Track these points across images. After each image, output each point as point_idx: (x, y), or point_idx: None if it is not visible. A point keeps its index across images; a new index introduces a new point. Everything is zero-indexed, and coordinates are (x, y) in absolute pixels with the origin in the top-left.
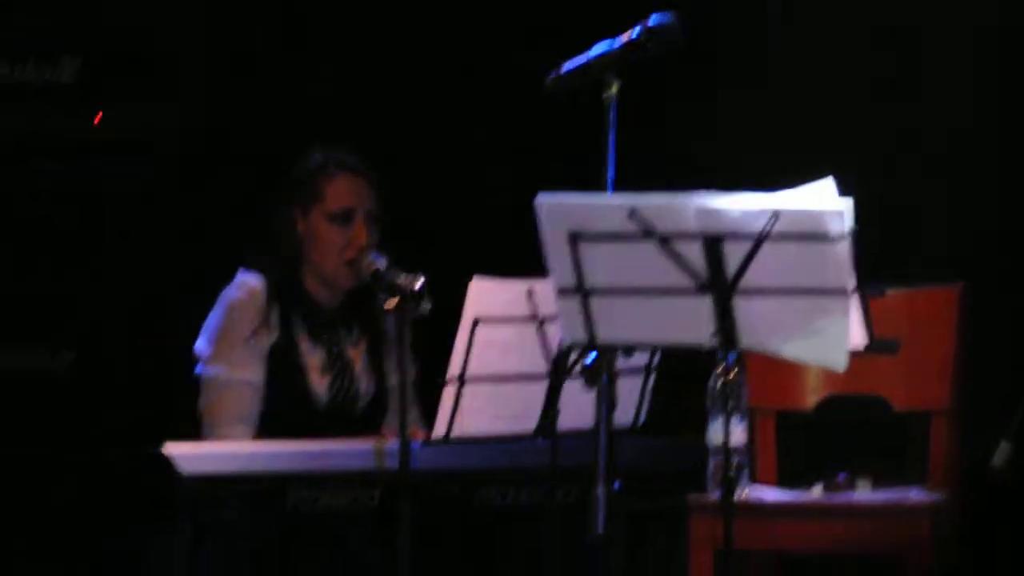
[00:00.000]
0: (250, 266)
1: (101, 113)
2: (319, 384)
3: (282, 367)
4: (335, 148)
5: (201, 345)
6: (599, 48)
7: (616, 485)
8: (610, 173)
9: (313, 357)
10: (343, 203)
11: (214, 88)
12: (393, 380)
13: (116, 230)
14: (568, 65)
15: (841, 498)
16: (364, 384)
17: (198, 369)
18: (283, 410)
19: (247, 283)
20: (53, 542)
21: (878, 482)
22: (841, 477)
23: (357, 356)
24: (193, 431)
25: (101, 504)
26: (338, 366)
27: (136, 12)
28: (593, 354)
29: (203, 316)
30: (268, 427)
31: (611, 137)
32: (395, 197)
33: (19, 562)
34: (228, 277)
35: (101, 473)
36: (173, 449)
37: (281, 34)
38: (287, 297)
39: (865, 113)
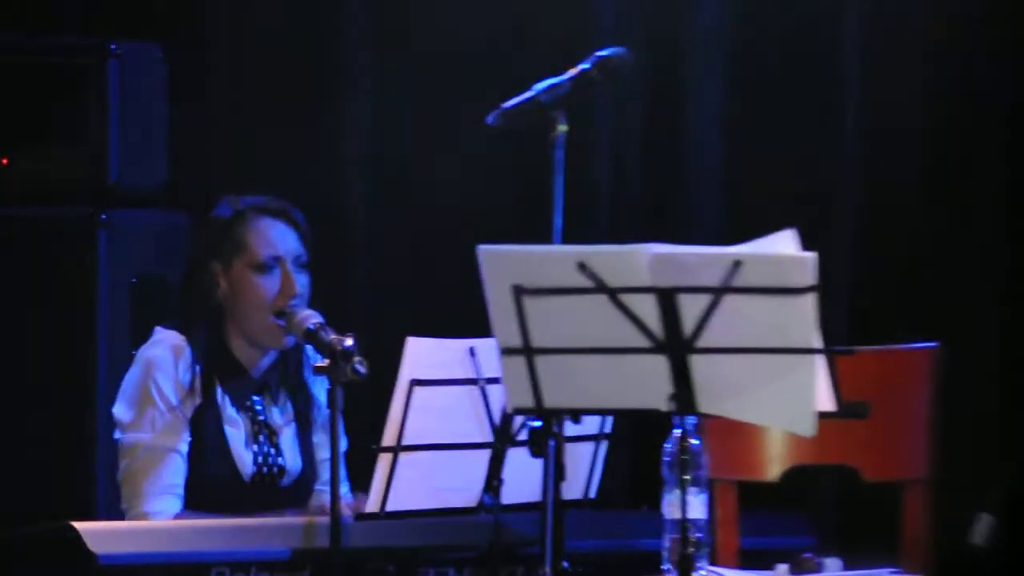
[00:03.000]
0: (168, 324)
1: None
2: (243, 455)
3: (205, 436)
4: (251, 192)
5: (120, 410)
6: (546, 83)
7: (565, 564)
8: (557, 221)
9: (236, 426)
10: (268, 251)
11: None
12: (322, 453)
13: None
14: (512, 101)
15: None
16: (289, 456)
17: (117, 435)
18: (205, 482)
19: (168, 341)
20: None
21: (848, 560)
22: (808, 555)
23: (282, 425)
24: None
25: None
26: (263, 436)
27: None
28: (539, 420)
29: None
30: (190, 499)
31: (558, 180)
32: (323, 246)
33: None
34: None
35: (3, 553)
36: (85, 527)
37: None
38: (210, 359)
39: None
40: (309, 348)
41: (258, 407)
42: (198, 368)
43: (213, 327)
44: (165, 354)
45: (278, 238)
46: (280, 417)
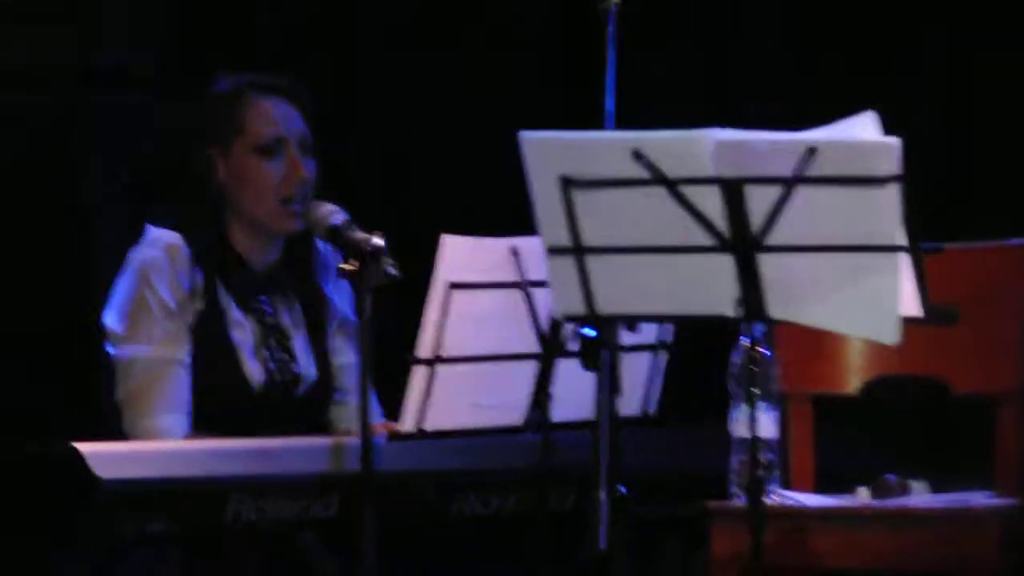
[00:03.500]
0: (160, 222)
1: None
2: (252, 362)
3: (208, 343)
4: (250, 69)
5: (112, 320)
6: None
7: (621, 489)
8: (609, 103)
9: (243, 330)
10: (271, 132)
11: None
12: (339, 359)
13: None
14: None
15: (892, 504)
16: (303, 361)
17: (110, 350)
18: (211, 395)
19: (162, 240)
20: None
21: (936, 483)
22: (892, 478)
23: (295, 328)
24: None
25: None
26: (273, 341)
27: None
28: (592, 328)
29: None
30: (195, 418)
31: (610, 58)
32: (352, 138)
33: None
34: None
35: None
36: (87, 448)
37: None
38: (210, 257)
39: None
40: (320, 243)
41: (266, 308)
42: (197, 268)
43: (211, 219)
44: (160, 255)
45: (282, 118)
46: (291, 319)
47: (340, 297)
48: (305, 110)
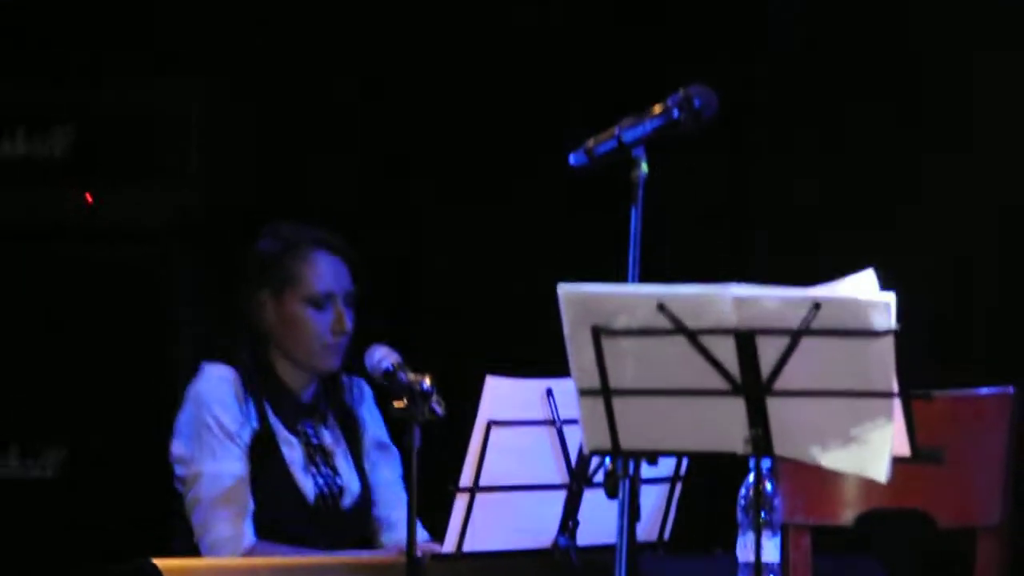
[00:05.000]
0: (214, 357)
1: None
2: (303, 478)
3: (265, 460)
4: (306, 224)
5: (178, 447)
6: (628, 122)
7: None
8: (634, 260)
9: (293, 449)
10: (323, 287)
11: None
12: (376, 474)
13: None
14: (595, 144)
15: None
16: (348, 478)
17: (178, 472)
18: (270, 507)
19: (216, 374)
20: None
21: None
22: None
23: (335, 448)
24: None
25: None
26: (320, 458)
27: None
28: (615, 462)
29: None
30: (256, 528)
31: (636, 219)
32: (404, 281)
33: None
34: None
35: None
36: (164, 564)
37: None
38: (260, 386)
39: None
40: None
41: (309, 430)
42: (249, 396)
43: (260, 354)
44: (217, 385)
45: (333, 274)
46: (331, 441)
47: (371, 419)
48: (353, 266)
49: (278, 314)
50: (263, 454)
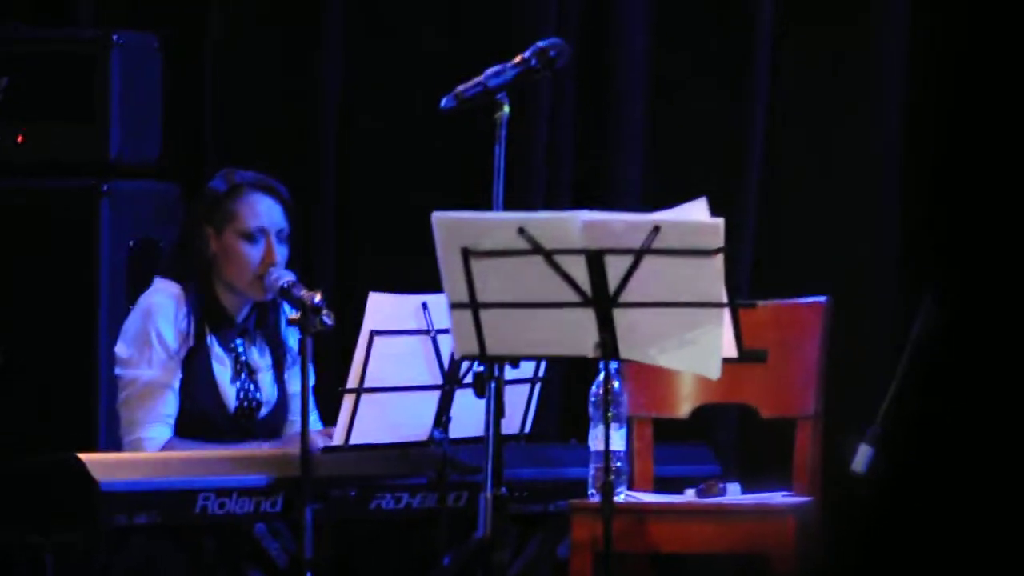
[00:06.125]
0: (166, 274)
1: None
2: (228, 390)
3: (196, 373)
4: (247, 168)
5: (121, 348)
6: (493, 70)
7: (503, 491)
8: (498, 190)
9: (223, 364)
10: (255, 223)
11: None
12: (294, 387)
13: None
14: (464, 87)
15: (712, 501)
16: (267, 391)
17: (117, 371)
18: (195, 413)
19: (167, 290)
20: None
21: (747, 486)
22: (713, 481)
23: (261, 365)
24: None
25: (17, 508)
26: (244, 373)
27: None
28: (483, 365)
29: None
30: (180, 428)
31: (500, 155)
32: (301, 209)
33: None
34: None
35: (17, 477)
36: (88, 458)
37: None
38: (202, 307)
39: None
40: (282, 303)
41: (240, 348)
42: (191, 314)
43: (204, 280)
44: (166, 301)
45: (265, 212)
46: (259, 358)
47: (294, 339)
48: (286, 204)
49: (219, 246)
50: (195, 366)
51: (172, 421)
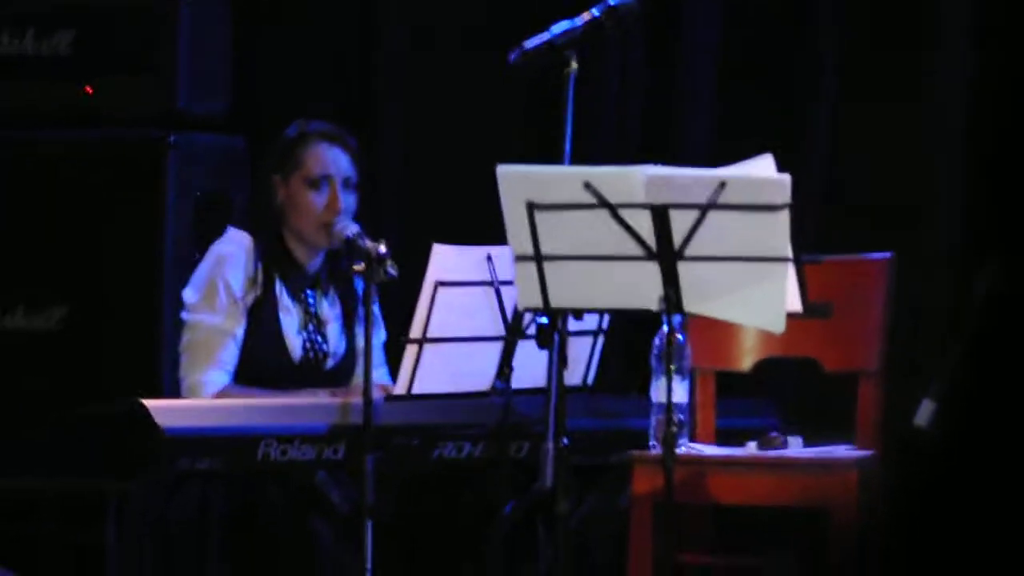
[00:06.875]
0: (238, 225)
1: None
2: (294, 340)
3: (262, 321)
4: (316, 118)
5: (189, 293)
6: (561, 26)
7: (565, 441)
8: (567, 146)
9: (290, 314)
10: (320, 170)
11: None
12: (362, 342)
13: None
14: (531, 42)
15: (773, 453)
16: (334, 343)
17: (183, 314)
18: (259, 362)
19: (237, 239)
20: (38, 489)
21: (809, 439)
22: (774, 434)
23: (331, 316)
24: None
25: (83, 455)
26: (312, 324)
27: None
28: (546, 317)
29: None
30: (244, 376)
31: (569, 111)
32: (372, 168)
33: (6, 507)
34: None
35: (83, 425)
36: (152, 404)
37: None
38: (271, 256)
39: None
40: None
41: (310, 299)
42: (260, 264)
43: (273, 229)
44: (236, 250)
45: (331, 160)
46: (329, 310)
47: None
48: (353, 153)
49: (286, 194)
50: (261, 315)
51: (231, 368)
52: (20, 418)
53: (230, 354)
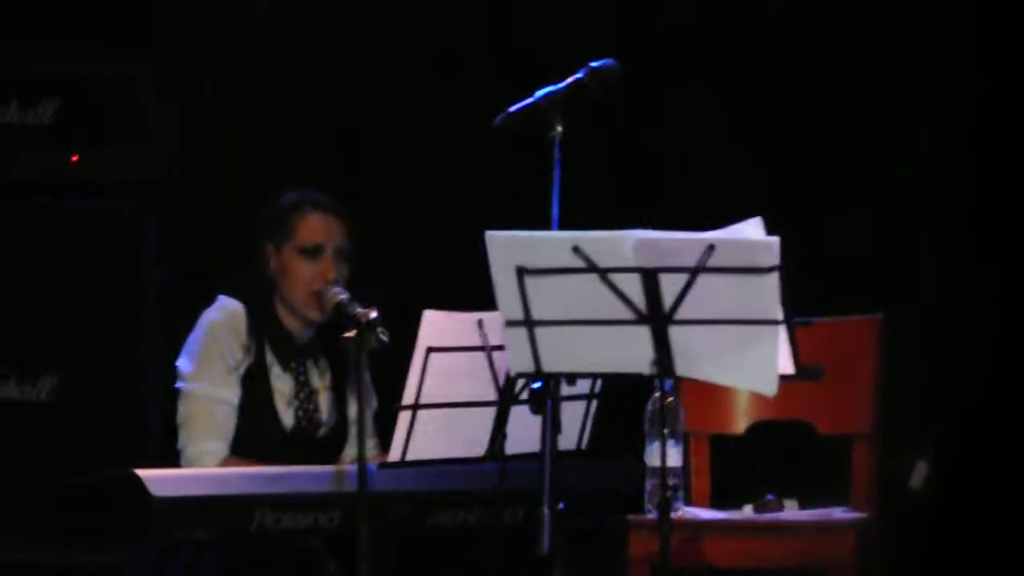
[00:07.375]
0: (228, 292)
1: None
2: (285, 410)
3: (254, 390)
4: (308, 187)
5: (184, 362)
6: (544, 90)
7: (560, 505)
8: (555, 209)
9: (282, 384)
10: (313, 239)
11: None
12: (354, 411)
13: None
14: (516, 106)
15: (770, 517)
16: (326, 413)
17: (178, 384)
18: (251, 431)
19: (228, 307)
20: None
21: (804, 502)
22: (770, 497)
23: (322, 387)
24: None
25: (75, 525)
26: (304, 394)
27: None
28: (539, 382)
29: (183, 338)
30: (236, 446)
31: (556, 174)
32: (362, 236)
33: None
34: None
35: (76, 495)
36: (145, 473)
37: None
38: (262, 325)
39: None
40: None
41: (301, 368)
42: (252, 333)
43: (265, 298)
44: (227, 318)
45: (324, 229)
46: (319, 380)
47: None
48: (347, 223)
49: (278, 263)
50: (254, 385)
51: (230, 436)
52: (12, 489)
53: (228, 422)
